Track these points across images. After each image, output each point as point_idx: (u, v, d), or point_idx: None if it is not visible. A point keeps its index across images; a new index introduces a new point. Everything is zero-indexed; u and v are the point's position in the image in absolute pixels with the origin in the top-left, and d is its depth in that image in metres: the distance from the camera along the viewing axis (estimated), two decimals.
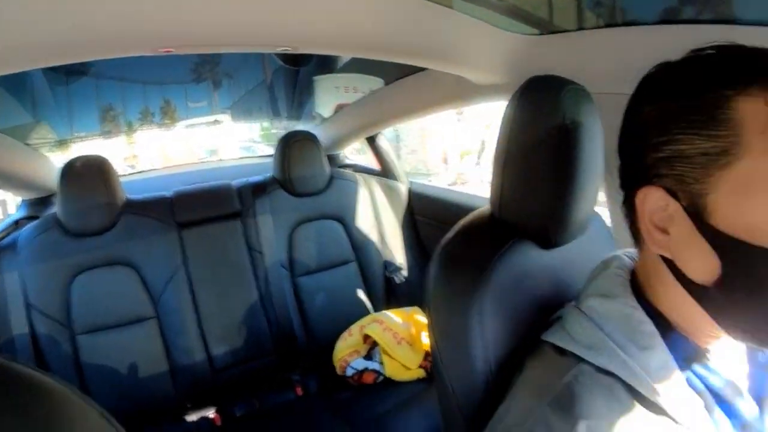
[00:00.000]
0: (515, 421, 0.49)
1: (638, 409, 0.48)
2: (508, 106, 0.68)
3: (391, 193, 1.97)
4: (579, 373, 0.50)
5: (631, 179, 0.51)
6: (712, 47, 0.46)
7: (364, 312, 1.67)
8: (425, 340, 1.44)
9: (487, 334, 0.60)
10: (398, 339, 1.45)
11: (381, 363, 1.43)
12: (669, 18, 0.94)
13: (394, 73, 1.52)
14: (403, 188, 2.04)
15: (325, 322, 1.64)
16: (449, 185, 8.41)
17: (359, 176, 1.91)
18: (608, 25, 1.02)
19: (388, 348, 1.43)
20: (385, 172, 2.09)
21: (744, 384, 0.53)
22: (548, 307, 0.66)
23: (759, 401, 0.53)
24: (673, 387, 0.48)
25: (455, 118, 9.94)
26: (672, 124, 0.46)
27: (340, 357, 1.47)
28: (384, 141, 2.10)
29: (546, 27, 1.07)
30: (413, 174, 8.10)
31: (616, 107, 0.70)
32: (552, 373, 0.52)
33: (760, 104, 0.41)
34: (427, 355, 1.44)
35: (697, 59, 0.47)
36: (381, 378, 1.43)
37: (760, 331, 0.47)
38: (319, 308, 1.66)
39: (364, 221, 1.81)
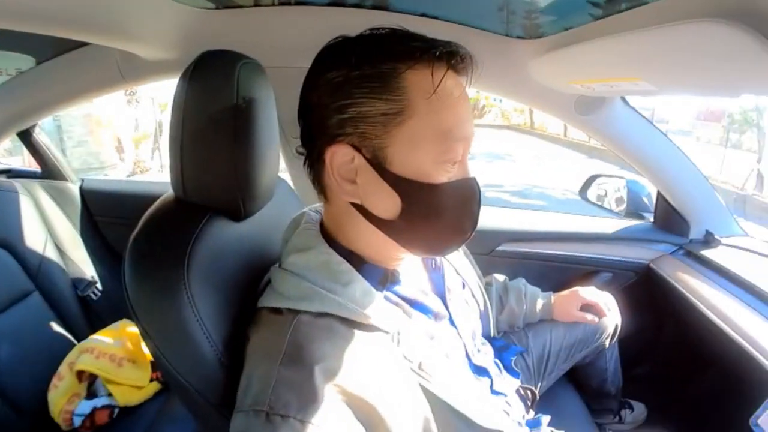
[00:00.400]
0: (259, 389, 0.52)
1: (358, 335, 0.57)
2: (179, 83, 0.66)
3: (60, 196, 1.65)
4: (298, 324, 0.56)
5: (317, 140, 0.59)
6: (385, 28, 0.57)
7: (67, 347, 1.34)
8: (146, 350, 1.27)
9: (204, 319, 0.59)
10: (117, 361, 1.26)
11: (109, 395, 1.22)
12: (337, 1, 1.05)
13: (47, 49, 1.25)
14: (74, 189, 1.73)
15: (23, 377, 1.25)
16: (128, 177, 7.59)
17: (17, 183, 1.50)
18: (282, 4, 1.07)
19: (110, 375, 1.23)
20: (48, 173, 1.71)
21: (427, 286, 0.73)
22: (256, 275, 0.69)
23: (440, 295, 0.74)
24: (376, 306, 0.59)
25: (125, 99, 8.86)
26: (355, 89, 0.54)
27: (60, 409, 1.17)
28: (42, 135, 1.70)
29: (221, 1, 1.04)
30: (84, 170, 6.94)
31: (289, 79, 0.77)
32: (275, 334, 0.56)
33: (424, 76, 0.54)
34: (153, 364, 1.29)
35: (375, 36, 0.58)
36: (117, 410, 1.22)
37: (434, 244, 0.64)
38: (7, 363, 1.23)
39: (36, 238, 1.44)
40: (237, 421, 0.51)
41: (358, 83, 0.55)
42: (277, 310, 0.59)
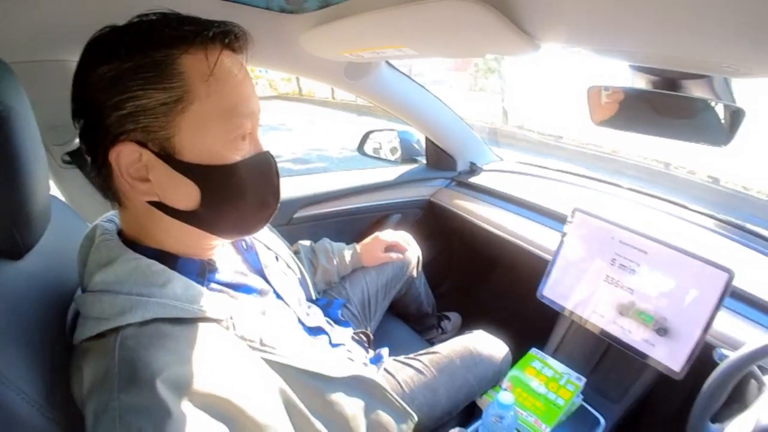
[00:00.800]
0: (106, 425, 0.46)
1: (191, 332, 0.55)
2: None
3: None
4: (123, 340, 0.51)
5: (99, 142, 0.54)
6: (155, 13, 0.54)
7: None
8: None
9: (14, 380, 0.49)
10: None
11: None
12: None
13: None
14: None
15: None
16: None
17: None
18: None
19: None
20: None
21: (244, 267, 0.73)
22: (60, 311, 0.61)
23: (259, 273, 0.76)
24: (202, 298, 0.58)
25: None
26: (130, 82, 0.51)
27: None
28: None
29: None
30: None
31: (42, 75, 0.62)
32: (102, 360, 0.50)
33: (200, 59, 0.53)
34: None
35: (144, 23, 0.53)
36: None
37: (243, 224, 0.64)
38: None
39: None
40: None
41: (133, 75, 0.51)
42: (98, 337, 0.53)
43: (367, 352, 1.00)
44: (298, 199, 1.47)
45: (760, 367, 0.82)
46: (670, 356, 0.94)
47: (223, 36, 0.55)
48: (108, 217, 0.66)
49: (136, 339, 0.51)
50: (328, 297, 1.14)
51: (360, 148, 1.71)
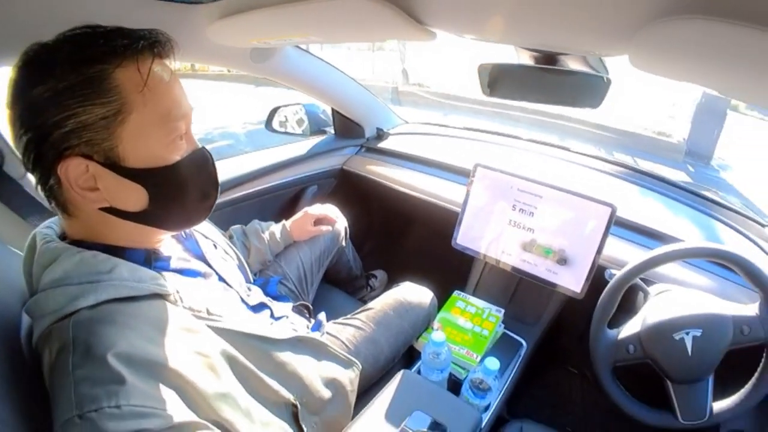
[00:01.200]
0: (63, 399, 0.49)
1: (140, 309, 0.58)
2: None
3: None
4: (77, 323, 0.54)
5: (44, 159, 0.56)
6: (80, 29, 0.55)
7: None
8: None
9: None
10: None
11: None
12: None
13: None
14: None
15: None
16: None
17: None
18: None
19: None
20: None
21: (186, 255, 0.77)
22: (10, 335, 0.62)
23: (200, 258, 0.80)
24: (148, 278, 0.61)
25: None
26: (69, 100, 0.53)
27: None
28: None
29: None
30: None
31: None
32: (57, 344, 0.53)
33: (133, 71, 0.56)
34: None
35: (73, 39, 0.55)
36: None
37: (188, 217, 0.70)
38: None
39: None
40: None
41: (71, 94, 0.52)
42: (58, 328, 0.54)
43: (309, 321, 1.06)
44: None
45: (645, 281, 1.02)
46: (571, 281, 1.12)
47: (152, 46, 0.58)
48: (46, 224, 0.67)
49: (88, 321, 0.54)
50: (265, 276, 1.17)
51: (268, 124, 1.71)
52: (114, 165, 0.57)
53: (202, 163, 0.68)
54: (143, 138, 0.58)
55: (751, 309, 0.89)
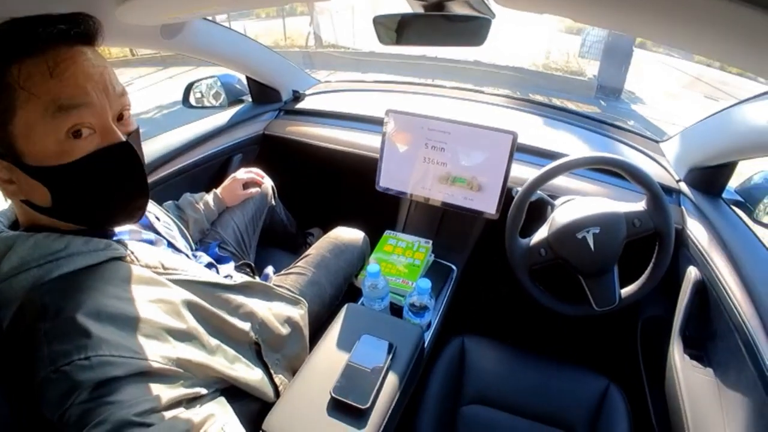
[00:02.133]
0: (38, 359, 0.53)
1: (100, 274, 0.61)
2: None
3: None
4: (43, 293, 0.57)
5: None
6: None
7: None
8: None
9: None
10: None
11: None
12: None
13: None
14: None
15: None
16: None
17: None
18: None
19: None
20: None
21: (134, 227, 0.79)
22: None
23: (148, 227, 0.84)
24: (102, 245, 0.64)
25: None
26: None
27: None
28: None
29: None
30: None
31: None
32: (28, 314, 0.57)
33: (22, 70, 0.55)
34: None
35: None
36: None
37: (109, 217, 0.68)
38: None
39: None
40: (44, 397, 0.52)
41: None
42: (22, 304, 0.58)
43: (254, 278, 1.11)
44: (146, 166, 1.43)
45: (552, 196, 1.17)
46: (487, 205, 1.25)
47: (60, 35, 0.57)
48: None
49: (57, 289, 0.57)
50: (204, 245, 1.22)
51: (185, 101, 1.68)
52: (17, 161, 0.57)
53: (116, 159, 0.62)
54: (34, 135, 0.56)
55: (639, 205, 1.05)
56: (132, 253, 0.67)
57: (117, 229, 0.73)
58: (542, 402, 1.09)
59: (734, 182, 1.24)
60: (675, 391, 0.96)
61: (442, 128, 1.25)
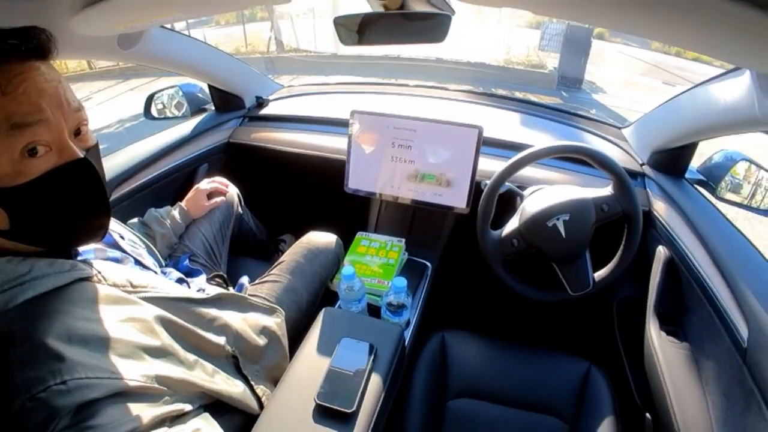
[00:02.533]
0: (14, 385, 0.51)
1: (67, 297, 0.60)
2: None
3: None
4: (10, 320, 0.54)
5: None
6: None
7: None
8: None
9: None
10: None
11: None
12: None
13: None
14: None
15: None
16: None
17: None
18: None
19: None
20: None
21: (100, 245, 0.76)
22: None
23: (113, 245, 0.81)
24: (67, 266, 0.62)
25: None
26: None
27: None
28: None
29: None
30: None
31: None
32: None
33: None
34: None
35: None
36: None
37: (70, 238, 0.66)
38: None
39: None
40: (23, 426, 0.50)
41: None
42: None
43: (228, 290, 1.10)
44: (107, 183, 1.39)
45: (521, 187, 1.19)
46: (456, 200, 1.26)
47: (13, 49, 0.55)
48: None
49: (24, 314, 0.55)
50: (174, 260, 1.18)
51: (146, 113, 1.64)
52: None
53: (78, 176, 0.60)
54: None
55: (606, 190, 1.07)
56: (99, 272, 0.65)
57: (81, 249, 0.71)
58: (527, 390, 1.11)
59: (696, 162, 1.28)
60: (654, 367, 0.99)
61: (407, 126, 1.26)
